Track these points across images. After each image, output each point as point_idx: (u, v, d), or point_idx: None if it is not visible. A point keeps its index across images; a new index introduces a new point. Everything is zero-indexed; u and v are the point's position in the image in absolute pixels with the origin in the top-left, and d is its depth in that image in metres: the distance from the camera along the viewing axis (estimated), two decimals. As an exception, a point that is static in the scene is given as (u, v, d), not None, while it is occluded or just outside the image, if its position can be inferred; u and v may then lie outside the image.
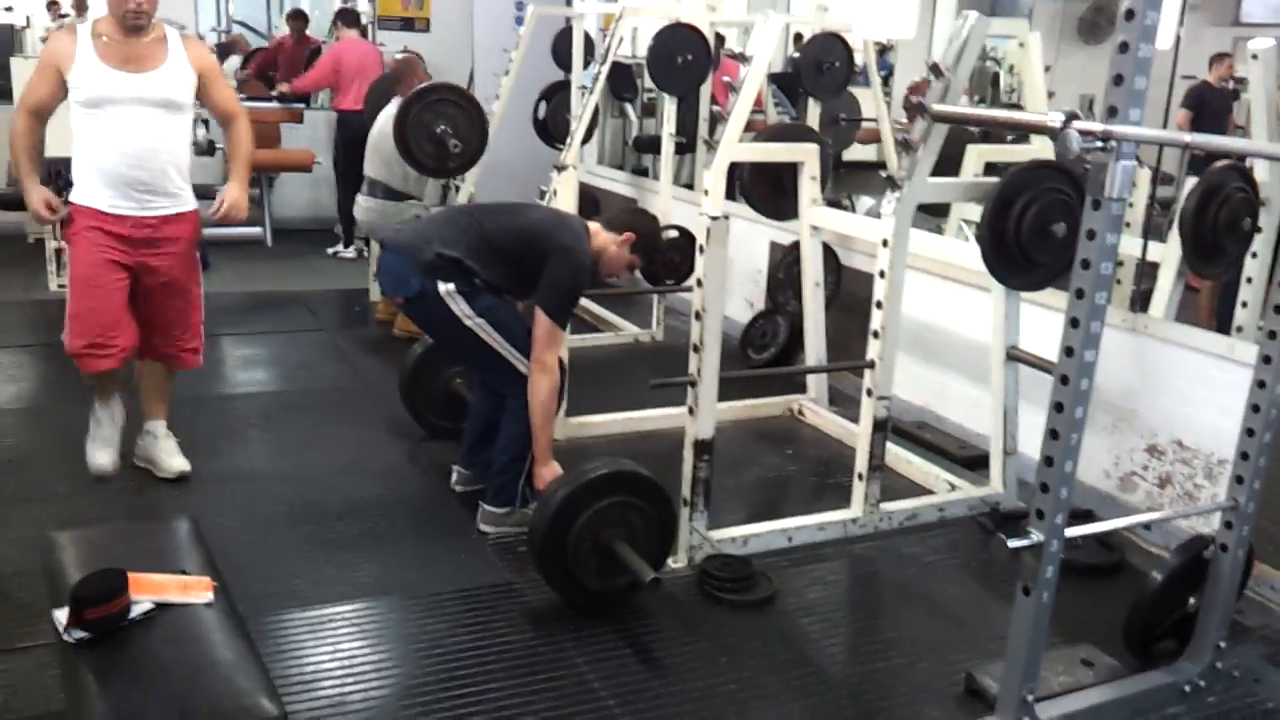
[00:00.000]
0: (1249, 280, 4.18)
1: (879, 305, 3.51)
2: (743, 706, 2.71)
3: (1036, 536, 2.48)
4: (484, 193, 5.99)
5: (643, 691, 2.74)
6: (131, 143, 3.41)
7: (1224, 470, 3.48)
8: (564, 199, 4.19)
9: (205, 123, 7.13)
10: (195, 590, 2.17)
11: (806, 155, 4.43)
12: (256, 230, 7.70)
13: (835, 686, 2.83)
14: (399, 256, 3.43)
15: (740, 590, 3.21)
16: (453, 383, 4.20)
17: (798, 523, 3.58)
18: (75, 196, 3.49)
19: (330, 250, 7.83)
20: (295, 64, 8.18)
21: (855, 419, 4.59)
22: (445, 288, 3.31)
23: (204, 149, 7.01)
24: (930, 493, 3.96)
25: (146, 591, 2.10)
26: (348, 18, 7.76)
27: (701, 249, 3.19)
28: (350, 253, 7.72)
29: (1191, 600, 2.93)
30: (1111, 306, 4.11)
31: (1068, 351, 2.41)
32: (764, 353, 5.36)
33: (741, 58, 8.51)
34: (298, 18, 8.88)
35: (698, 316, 3.24)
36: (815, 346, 4.65)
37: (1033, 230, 3.41)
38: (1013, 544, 2.46)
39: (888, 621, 3.24)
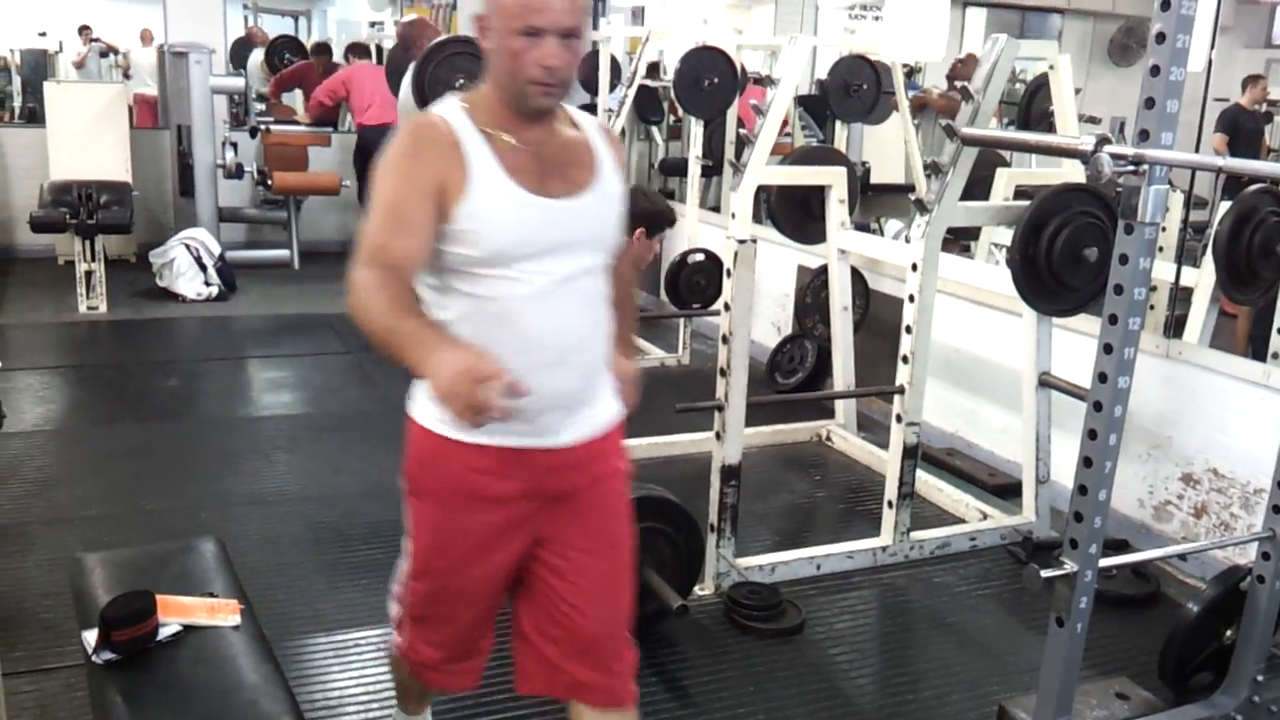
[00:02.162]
0: (1285, 307, 4.13)
1: (908, 330, 3.49)
2: (771, 738, 2.68)
3: (1070, 566, 2.44)
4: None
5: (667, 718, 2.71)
6: (554, 324, 1.82)
7: (1260, 500, 3.42)
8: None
9: (234, 145, 7.25)
10: (223, 613, 2.16)
11: (834, 178, 4.41)
12: (284, 253, 7.75)
13: (865, 718, 2.78)
14: None
15: (768, 619, 3.17)
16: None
17: (826, 550, 3.54)
18: (425, 418, 1.92)
19: None
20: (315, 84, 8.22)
21: (884, 445, 4.56)
22: None
23: (233, 172, 7.10)
24: (961, 521, 3.92)
25: (174, 614, 2.09)
26: (358, 50, 7.82)
27: (729, 272, 3.18)
28: None
29: (1228, 633, 2.88)
30: (1145, 332, 4.09)
31: (1101, 378, 2.38)
32: (791, 377, 5.34)
33: (768, 80, 8.52)
34: (322, 51, 8.92)
35: (725, 340, 3.22)
36: (843, 371, 4.62)
37: (1064, 255, 3.38)
38: (1046, 574, 2.42)
39: (918, 652, 3.19)
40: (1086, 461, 2.41)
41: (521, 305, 1.78)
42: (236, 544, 3.38)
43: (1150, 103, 2.23)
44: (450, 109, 1.79)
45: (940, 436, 4.60)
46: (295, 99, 8.72)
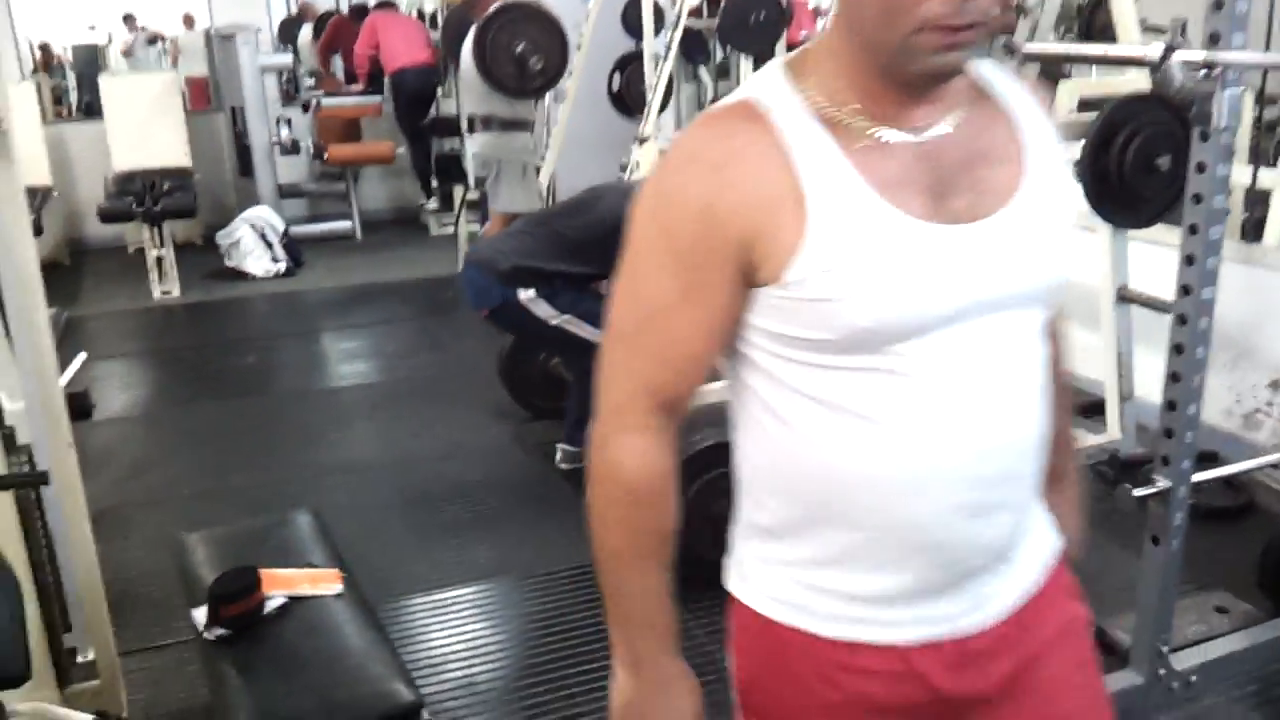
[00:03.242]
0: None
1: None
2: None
3: (1163, 483, 2.40)
4: (564, 169, 5.99)
5: (765, 659, 2.74)
6: (967, 442, 1.07)
7: (1353, 401, 3.34)
8: (646, 170, 4.17)
9: (288, 121, 7.32)
10: (324, 582, 2.22)
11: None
12: (345, 224, 7.83)
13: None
14: (478, 271, 3.49)
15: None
16: (551, 363, 4.22)
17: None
18: (760, 599, 1.26)
19: (420, 204, 7.95)
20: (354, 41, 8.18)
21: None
22: (525, 295, 3.36)
23: (289, 148, 7.17)
24: (1043, 443, 3.86)
25: (279, 586, 2.15)
26: (383, 7, 7.78)
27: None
28: (434, 203, 7.78)
29: (1330, 538, 2.84)
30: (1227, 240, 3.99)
31: (1184, 290, 2.33)
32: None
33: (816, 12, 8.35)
34: (361, 15, 8.87)
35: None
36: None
37: (1136, 165, 3.29)
38: (1138, 493, 2.40)
39: (1008, 576, 3.17)
40: (1174, 376, 2.37)
41: (907, 415, 1.04)
42: (326, 513, 3.42)
43: (1219, 4, 2.15)
44: (767, 86, 1.07)
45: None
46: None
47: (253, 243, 6.73)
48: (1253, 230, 3.92)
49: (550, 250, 3.39)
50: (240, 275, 6.73)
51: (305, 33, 8.58)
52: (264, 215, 6.89)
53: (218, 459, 4.11)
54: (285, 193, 7.53)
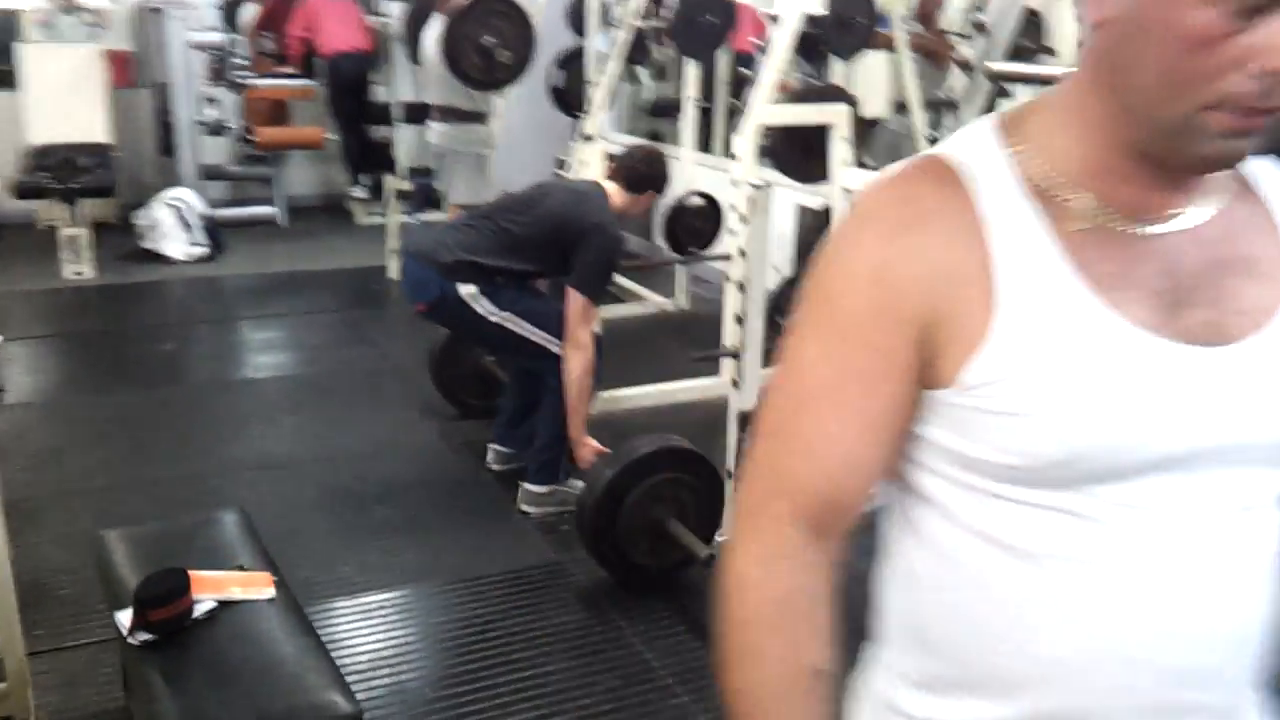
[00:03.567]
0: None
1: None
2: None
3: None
4: (503, 163, 5.93)
5: (701, 668, 2.70)
6: (1165, 623, 0.86)
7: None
8: (591, 170, 4.12)
9: (215, 101, 7.11)
10: (256, 586, 2.13)
11: (837, 116, 4.34)
12: (270, 209, 7.63)
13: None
14: (418, 264, 3.40)
15: (791, 563, 3.16)
16: (481, 361, 4.15)
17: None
18: None
19: (348, 191, 7.84)
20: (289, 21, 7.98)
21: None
22: (466, 290, 3.29)
23: (215, 129, 6.97)
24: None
25: (208, 590, 2.06)
26: None
27: (744, 219, 3.12)
28: (361, 191, 7.65)
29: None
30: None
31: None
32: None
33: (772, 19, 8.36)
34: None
35: (741, 288, 3.18)
36: (847, 311, 4.58)
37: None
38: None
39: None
40: None
41: (1091, 574, 0.86)
42: (249, 510, 3.37)
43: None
44: (970, 143, 0.90)
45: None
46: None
47: (172, 225, 6.50)
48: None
49: (493, 245, 3.32)
50: (158, 258, 6.49)
51: (248, 11, 8.33)
52: (185, 196, 6.67)
53: (133, 450, 3.94)
54: (208, 174, 7.30)
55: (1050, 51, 4.94)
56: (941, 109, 4.92)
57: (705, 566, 2.93)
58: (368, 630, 2.84)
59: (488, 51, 4.86)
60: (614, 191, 3.49)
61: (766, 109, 4.29)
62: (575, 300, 3.28)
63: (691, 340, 5.30)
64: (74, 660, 2.68)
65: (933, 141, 3.62)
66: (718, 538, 3.21)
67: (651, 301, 5.77)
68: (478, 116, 5.41)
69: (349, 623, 2.86)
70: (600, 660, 2.73)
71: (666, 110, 7.84)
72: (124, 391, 4.56)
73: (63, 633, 2.78)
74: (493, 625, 2.86)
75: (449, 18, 4.91)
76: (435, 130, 5.50)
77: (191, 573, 2.06)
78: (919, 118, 5.81)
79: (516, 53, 4.95)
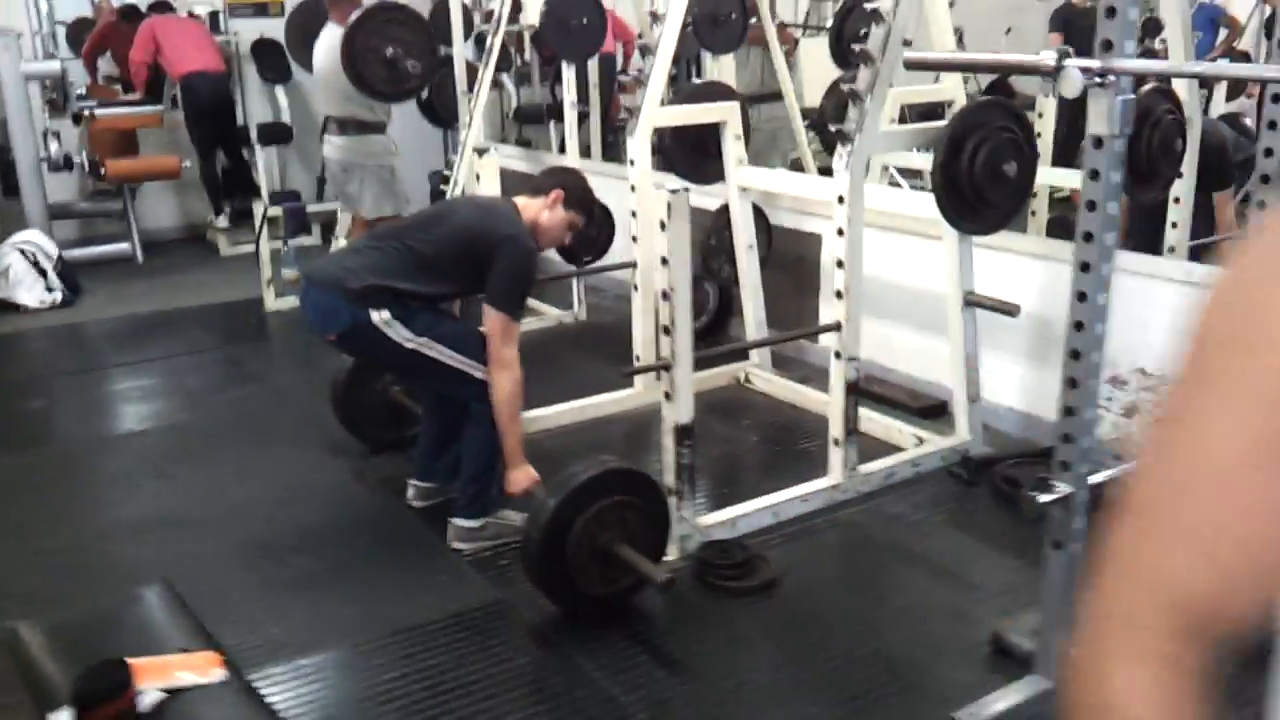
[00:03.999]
0: (1176, 200, 4.23)
1: (840, 265, 3.40)
2: (779, 697, 2.60)
3: (1064, 489, 2.41)
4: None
5: (671, 698, 2.61)
6: None
7: (1190, 393, 3.51)
8: (488, 183, 3.97)
9: (56, 134, 6.68)
10: (203, 668, 1.93)
11: (728, 114, 4.29)
12: (124, 246, 7.19)
13: (864, 664, 2.73)
14: (324, 291, 3.19)
15: (742, 576, 3.09)
16: (390, 391, 3.95)
17: (781, 497, 3.47)
18: None
19: (208, 221, 7.51)
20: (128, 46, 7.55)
21: (803, 381, 4.56)
22: (379, 316, 3.09)
23: (59, 164, 6.54)
24: (899, 448, 3.90)
25: (152, 679, 1.85)
26: (160, 8, 7.24)
27: (663, 225, 3.03)
28: (223, 221, 7.33)
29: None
30: (1061, 241, 4.14)
31: (1080, 296, 2.36)
32: (695, 321, 5.21)
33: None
34: (133, 16, 8.17)
35: (665, 297, 3.08)
36: (754, 310, 4.55)
37: (985, 172, 3.36)
38: (1043, 499, 2.39)
39: (893, 588, 3.16)
40: (1071, 382, 2.39)
41: None
42: (152, 573, 3.11)
43: (1111, 11, 2.18)
44: None
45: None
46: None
47: (23, 271, 6.05)
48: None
49: (403, 267, 3.14)
50: (11, 307, 6.03)
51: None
52: (34, 239, 6.22)
53: (10, 521, 3.61)
54: (55, 214, 6.84)
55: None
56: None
57: (662, 591, 2.83)
58: (310, 698, 2.64)
59: (392, 62, 4.77)
60: (523, 204, 3.34)
61: (658, 110, 4.21)
62: (494, 318, 3.13)
63: (591, 352, 5.20)
64: (-17, 767, 2.41)
65: (819, 131, 3.60)
66: (665, 557, 3.12)
67: (549, 315, 5.63)
68: (378, 127, 5.24)
69: (287, 692, 2.64)
70: (565, 703, 2.59)
71: (532, 116, 7.73)
72: (-8, 455, 4.20)
73: (-36, 737, 2.50)
74: (445, 677, 2.69)
75: (346, 30, 4.78)
76: (335, 144, 5.29)
77: (131, 661, 1.85)
78: (795, 111, 5.84)
79: (421, 60, 4.88)
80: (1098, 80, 2.18)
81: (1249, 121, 6.11)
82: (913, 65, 3.10)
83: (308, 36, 5.63)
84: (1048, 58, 2.20)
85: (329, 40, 5.09)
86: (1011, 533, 3.37)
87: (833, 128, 3.31)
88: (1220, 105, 5.82)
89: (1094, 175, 2.25)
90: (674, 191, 3.00)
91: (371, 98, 4.98)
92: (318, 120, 7.70)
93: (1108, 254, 2.30)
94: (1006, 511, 3.52)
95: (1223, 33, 8.28)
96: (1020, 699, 2.51)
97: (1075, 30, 7.29)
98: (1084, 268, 2.32)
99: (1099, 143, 2.22)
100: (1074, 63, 2.17)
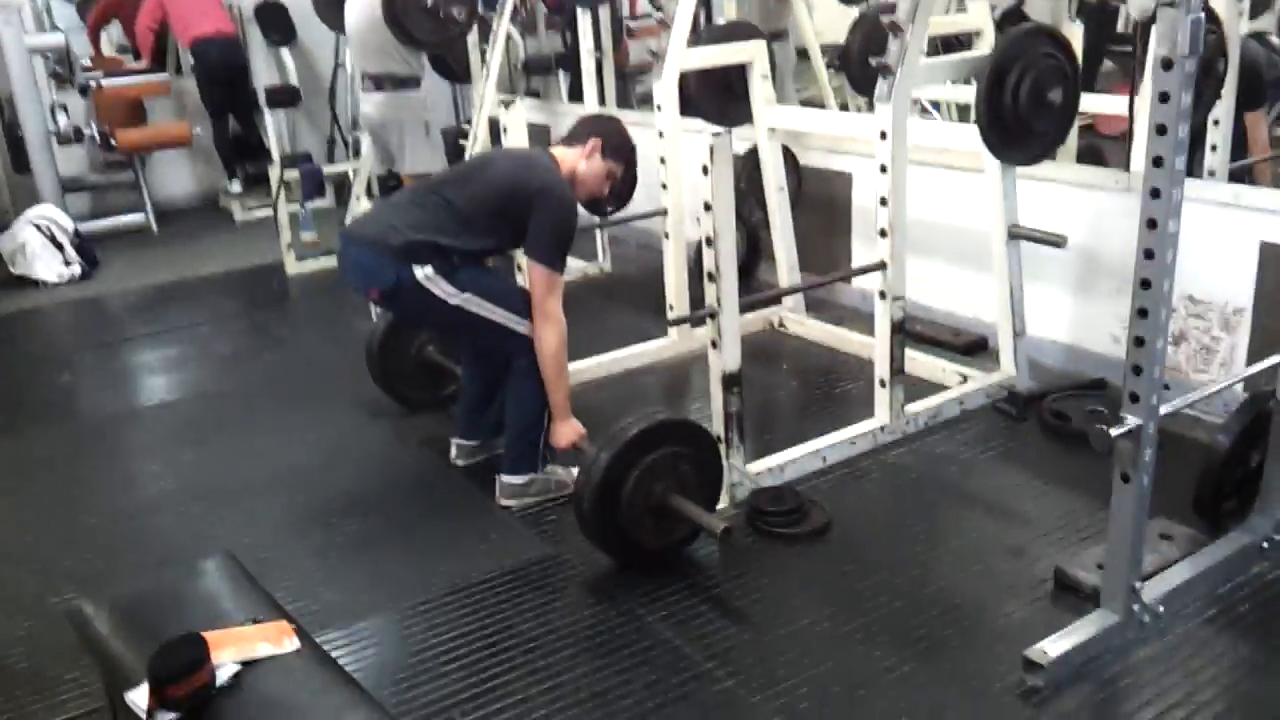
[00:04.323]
0: (1216, 123, 4.13)
1: (884, 202, 3.33)
2: (842, 643, 2.57)
3: (1133, 421, 2.36)
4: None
5: (736, 647, 2.58)
6: None
7: (1241, 319, 3.45)
8: (515, 135, 3.89)
9: (64, 107, 6.60)
10: (277, 638, 1.90)
11: (755, 54, 4.20)
12: (138, 217, 7.13)
13: (924, 606, 2.70)
14: (365, 249, 3.12)
15: (795, 523, 3.05)
16: (425, 351, 3.90)
17: (829, 441, 3.43)
18: None
19: (223, 187, 7.45)
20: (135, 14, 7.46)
21: (838, 323, 4.50)
22: (423, 272, 3.03)
23: (70, 137, 6.47)
24: (943, 387, 3.85)
25: (227, 652, 1.82)
26: None
27: (706, 169, 2.95)
28: (237, 186, 7.27)
29: (1255, 458, 2.88)
30: (1102, 169, 4.06)
31: (1150, 224, 2.28)
32: (723, 268, 5.16)
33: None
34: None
35: (709, 243, 3.01)
36: (787, 254, 4.48)
37: (1030, 100, 3.27)
38: (1114, 432, 2.34)
39: (948, 528, 3.12)
40: (1142, 312, 2.32)
41: None
42: (203, 545, 3.09)
43: (1179, -72, 2.09)
44: None
45: (892, 305, 4.52)
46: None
47: (40, 246, 6.01)
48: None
49: (443, 222, 3.08)
50: (29, 283, 5.99)
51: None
52: (49, 214, 6.17)
53: (51, 497, 3.59)
54: (68, 187, 6.78)
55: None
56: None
57: (721, 540, 2.80)
58: (371, 660, 2.62)
59: (434, 10, 4.70)
60: (560, 155, 3.26)
61: (684, 52, 4.12)
62: (536, 272, 3.08)
63: (620, 303, 5.15)
64: (51, 743, 2.40)
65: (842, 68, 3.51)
66: (719, 505, 3.08)
67: (573, 267, 5.55)
68: (414, 81, 5.12)
69: (349, 655, 2.62)
70: (629, 655, 2.57)
71: (543, 67, 7.60)
72: (23, 433, 4.17)
73: (26, 713, 2.49)
74: (506, 633, 2.66)
75: None
76: (373, 101, 5.17)
77: (206, 635, 1.81)
78: (815, 48, 5.73)
79: (464, 6, 4.79)
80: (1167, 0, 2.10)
81: (1275, 40, 5.99)
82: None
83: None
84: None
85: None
86: (1063, 467, 3.33)
87: (873, 61, 3.22)
88: (1245, 23, 5.68)
89: (1164, 98, 2.17)
90: (716, 134, 2.92)
91: (416, 49, 4.89)
92: (324, 82, 7.66)
93: (1179, 179, 2.23)
94: (1057, 445, 3.48)
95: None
96: (1090, 634, 2.48)
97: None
98: (1154, 194, 2.24)
99: (1168, 64, 2.14)
100: (1142, -20, 2.08)
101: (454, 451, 3.54)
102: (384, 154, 5.35)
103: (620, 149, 3.34)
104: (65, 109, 6.60)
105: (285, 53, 7.58)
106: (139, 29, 6.74)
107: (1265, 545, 2.80)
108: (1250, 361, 3.36)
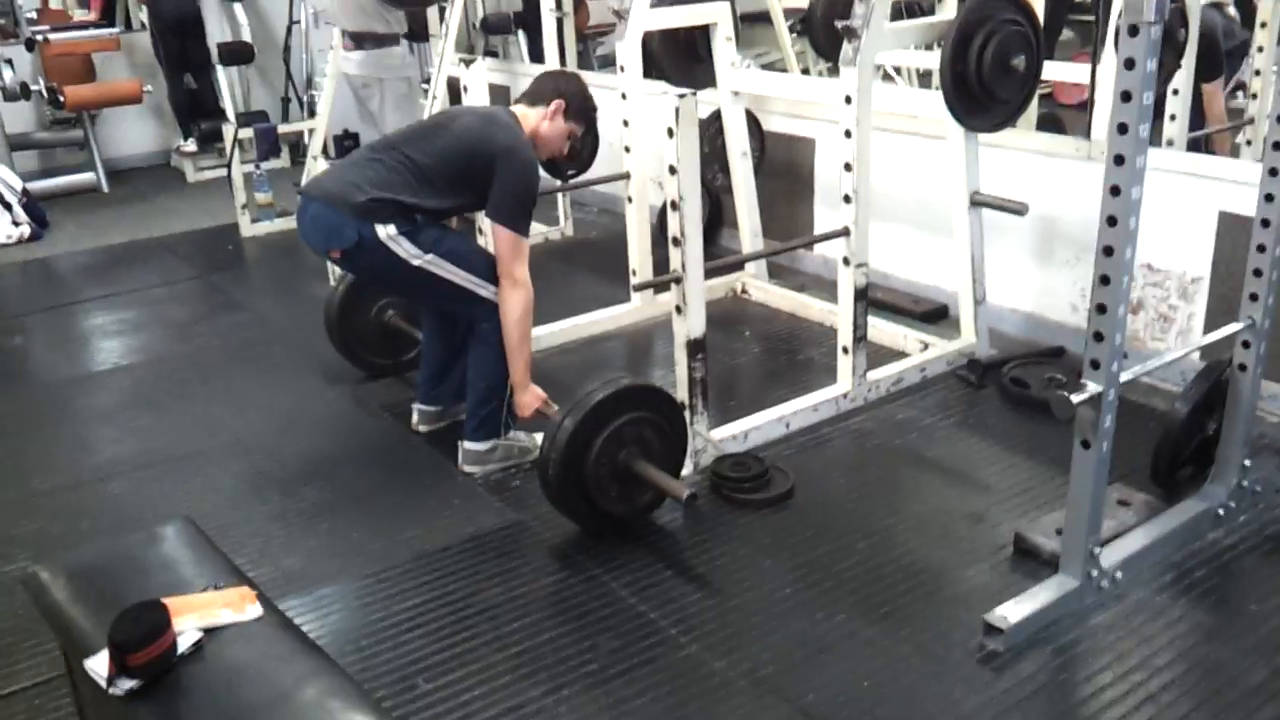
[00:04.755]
0: (1175, 92, 4.16)
1: (848, 167, 3.32)
2: (806, 608, 2.58)
3: (1094, 388, 2.38)
4: (350, 96, 5.55)
5: (700, 613, 2.59)
6: None
7: (1199, 289, 3.49)
8: (476, 94, 3.84)
9: (9, 62, 6.42)
10: (239, 605, 1.87)
11: (719, 14, 4.16)
12: (88, 176, 6.97)
13: (887, 571, 2.72)
14: (326, 206, 3.05)
15: (759, 489, 3.06)
16: (386, 315, 3.85)
17: (792, 408, 3.44)
18: None
19: (175, 146, 7.32)
20: None
21: (800, 289, 4.51)
22: (385, 231, 2.99)
23: (16, 93, 6.29)
24: (904, 354, 3.87)
25: (188, 619, 1.79)
26: None
27: (671, 132, 2.92)
28: (191, 145, 7.15)
29: (1211, 425, 2.93)
30: (1061, 137, 4.07)
31: (1114, 190, 2.29)
32: (685, 233, 5.14)
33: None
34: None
35: (674, 207, 2.99)
36: (750, 220, 4.46)
37: (994, 66, 3.27)
38: (1075, 399, 2.36)
39: (909, 494, 3.15)
40: (1104, 279, 2.34)
41: None
42: (161, 511, 3.06)
43: (1146, -109, 2.08)
44: None
45: (854, 271, 4.53)
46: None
47: (-13, 205, 5.86)
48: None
49: (406, 180, 3.02)
50: (-25, 243, 5.86)
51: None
52: (-2, 172, 6.02)
53: (10, 460, 3.52)
54: (13, 144, 6.61)
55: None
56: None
57: (686, 506, 2.80)
58: (334, 627, 2.60)
59: None
60: (522, 113, 3.22)
61: (648, 12, 4.07)
62: (501, 234, 3.04)
63: (584, 267, 5.12)
64: (9, 711, 2.35)
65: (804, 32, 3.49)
66: (684, 472, 3.08)
67: (535, 232, 5.50)
68: (394, 39, 5.10)
69: (311, 623, 2.59)
70: (593, 621, 2.57)
71: (501, 27, 7.50)
72: (-27, 397, 4.08)
73: (-17, 682, 2.45)
74: (471, 600, 2.66)
75: None
76: (353, 60, 5.13)
77: (167, 601, 1.78)
78: (778, 11, 5.69)
79: None
80: (1132, -35, 2.10)
81: (1232, 10, 6.05)
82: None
83: None
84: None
85: None
86: (1022, 433, 3.36)
87: (839, 24, 3.20)
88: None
89: (1129, 64, 2.17)
90: (681, 96, 2.89)
91: (406, 7, 4.84)
92: (278, 40, 7.51)
93: (1142, 146, 2.23)
94: (1016, 412, 3.51)
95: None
96: (1049, 599, 2.51)
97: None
98: (1118, 160, 2.25)
99: (1134, 30, 2.14)
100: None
101: (415, 417, 3.51)
102: (364, 115, 5.31)
103: (583, 110, 3.29)
104: (11, 64, 6.42)
105: (239, 8, 7.41)
106: None
107: (1221, 512, 2.85)
108: (1207, 330, 3.41)
